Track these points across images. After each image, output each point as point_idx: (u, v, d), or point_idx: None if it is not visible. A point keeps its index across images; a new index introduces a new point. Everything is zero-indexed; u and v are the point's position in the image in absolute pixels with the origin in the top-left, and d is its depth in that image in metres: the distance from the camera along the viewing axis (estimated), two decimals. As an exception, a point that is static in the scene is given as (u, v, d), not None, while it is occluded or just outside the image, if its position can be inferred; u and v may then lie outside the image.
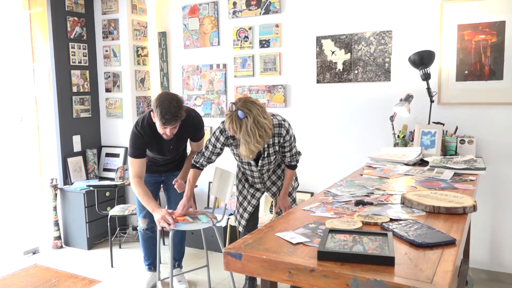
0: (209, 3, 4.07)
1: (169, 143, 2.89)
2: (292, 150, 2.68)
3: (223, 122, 2.54)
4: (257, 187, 2.88)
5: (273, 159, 2.70)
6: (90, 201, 3.98)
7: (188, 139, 3.02)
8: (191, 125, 2.89)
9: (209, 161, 2.76)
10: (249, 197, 2.89)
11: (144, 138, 2.79)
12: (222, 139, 2.64)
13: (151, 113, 2.73)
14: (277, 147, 2.64)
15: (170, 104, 2.58)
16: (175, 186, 2.91)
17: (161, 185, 3.21)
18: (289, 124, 2.62)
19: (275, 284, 1.54)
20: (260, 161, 2.68)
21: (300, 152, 2.80)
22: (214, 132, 2.65)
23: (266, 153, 2.64)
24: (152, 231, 3.18)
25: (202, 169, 2.82)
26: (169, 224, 2.66)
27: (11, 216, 4.06)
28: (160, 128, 2.68)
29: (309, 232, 1.49)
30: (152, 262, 3.26)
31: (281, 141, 2.60)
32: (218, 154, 2.73)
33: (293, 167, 2.78)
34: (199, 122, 2.96)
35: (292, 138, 2.65)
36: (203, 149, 2.73)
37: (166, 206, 3.21)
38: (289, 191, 2.88)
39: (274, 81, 3.84)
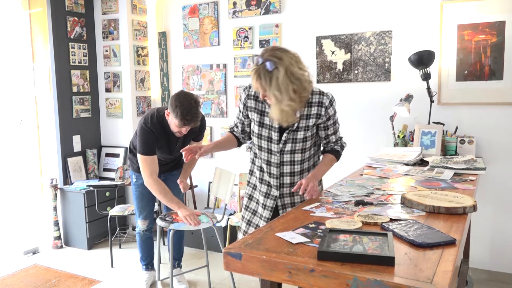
0: (209, 3, 4.07)
1: (176, 142, 2.90)
2: (337, 131, 2.14)
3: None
4: (271, 183, 2.14)
5: (299, 139, 2.05)
6: (90, 201, 3.98)
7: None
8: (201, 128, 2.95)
9: (237, 128, 2.24)
10: (260, 209, 2.20)
11: (155, 135, 2.79)
12: (243, 97, 2.13)
13: (165, 111, 2.74)
14: (311, 122, 2.04)
15: (191, 105, 2.61)
16: (180, 186, 2.93)
17: None
18: (333, 98, 2.08)
19: (275, 284, 1.53)
20: (285, 134, 2.05)
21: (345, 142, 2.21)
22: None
23: (295, 125, 2.03)
24: (150, 231, 3.18)
25: (234, 135, 2.24)
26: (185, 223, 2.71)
27: (11, 216, 4.06)
28: (175, 127, 2.72)
29: (309, 232, 1.49)
30: (149, 262, 3.26)
31: (322, 113, 2.03)
32: (242, 123, 2.20)
33: (337, 154, 2.14)
34: (203, 121, 2.99)
35: (337, 116, 2.12)
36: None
37: (163, 207, 3.22)
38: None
39: (274, 81, 3.84)
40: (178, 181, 2.95)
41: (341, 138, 2.19)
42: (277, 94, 1.85)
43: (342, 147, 2.17)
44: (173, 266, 3.10)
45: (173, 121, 2.69)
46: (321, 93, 2.04)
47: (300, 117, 2.03)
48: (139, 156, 2.82)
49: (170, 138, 2.85)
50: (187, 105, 2.59)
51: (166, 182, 3.14)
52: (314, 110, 2.03)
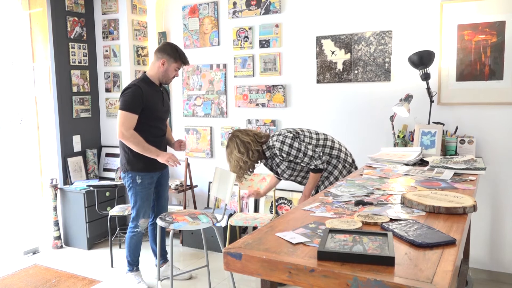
0: (209, 3, 4.07)
1: (161, 102, 3.07)
2: (303, 160, 2.78)
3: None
4: None
5: (291, 173, 2.90)
6: (90, 201, 3.98)
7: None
8: (167, 92, 3.29)
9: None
10: None
11: (141, 90, 2.92)
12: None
13: (161, 61, 2.96)
14: (282, 165, 2.87)
15: (181, 49, 3.06)
16: (180, 146, 3.18)
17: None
18: (281, 143, 2.76)
19: (275, 284, 1.54)
20: (280, 177, 2.99)
21: (318, 158, 2.79)
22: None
23: (276, 171, 2.96)
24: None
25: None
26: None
27: (11, 216, 4.06)
28: (173, 71, 3.02)
29: (309, 232, 1.48)
30: (138, 261, 3.27)
31: (283, 157, 2.79)
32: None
33: (312, 171, 2.85)
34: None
35: (294, 152, 2.76)
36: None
37: (156, 204, 3.30)
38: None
39: (274, 81, 3.84)
40: (176, 144, 3.18)
41: (310, 160, 2.78)
42: (226, 160, 2.93)
43: (315, 166, 2.80)
44: (160, 263, 3.12)
45: (172, 66, 2.99)
46: (268, 147, 2.82)
47: (276, 165, 2.92)
48: (121, 112, 2.89)
49: (156, 93, 3.02)
50: (179, 48, 3.04)
51: (160, 180, 3.19)
52: (276, 159, 2.86)
